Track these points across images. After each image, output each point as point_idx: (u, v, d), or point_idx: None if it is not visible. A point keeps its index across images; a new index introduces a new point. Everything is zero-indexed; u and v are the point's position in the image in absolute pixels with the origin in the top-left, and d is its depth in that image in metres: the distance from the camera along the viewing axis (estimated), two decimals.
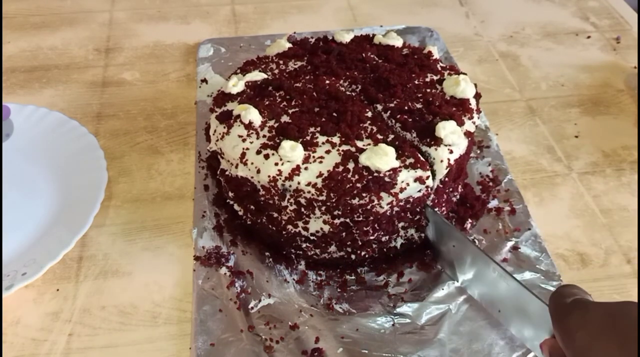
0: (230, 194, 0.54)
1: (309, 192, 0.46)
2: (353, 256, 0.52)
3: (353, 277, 0.52)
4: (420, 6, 0.89)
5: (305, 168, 0.46)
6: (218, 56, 0.76)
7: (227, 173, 0.52)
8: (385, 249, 0.52)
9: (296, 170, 0.46)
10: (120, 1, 0.89)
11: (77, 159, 0.60)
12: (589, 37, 0.84)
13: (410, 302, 0.50)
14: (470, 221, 0.56)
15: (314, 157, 0.47)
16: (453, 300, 0.50)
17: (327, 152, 0.47)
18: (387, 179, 0.45)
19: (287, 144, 0.47)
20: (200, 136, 0.65)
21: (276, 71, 0.58)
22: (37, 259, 0.51)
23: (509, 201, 0.58)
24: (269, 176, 0.47)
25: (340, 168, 0.46)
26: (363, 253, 0.51)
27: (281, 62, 0.59)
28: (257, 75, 0.56)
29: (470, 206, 0.57)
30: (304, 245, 0.51)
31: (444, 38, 0.82)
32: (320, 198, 0.46)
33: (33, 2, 0.88)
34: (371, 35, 0.63)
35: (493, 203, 0.58)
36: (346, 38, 0.62)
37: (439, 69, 0.58)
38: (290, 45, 0.62)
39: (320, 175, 0.46)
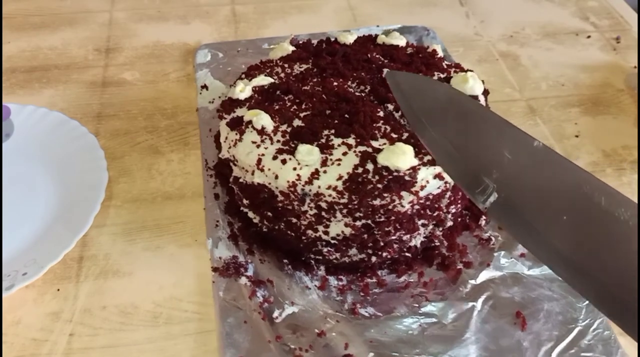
0: (245, 201, 0.53)
1: (329, 195, 0.45)
2: (374, 258, 0.51)
3: (374, 280, 0.52)
4: (420, 6, 0.89)
5: (324, 171, 0.46)
6: (216, 61, 0.75)
7: (240, 181, 0.51)
8: (405, 249, 0.52)
9: (315, 174, 0.46)
10: (120, 1, 0.89)
11: (78, 159, 0.60)
12: (588, 37, 0.84)
13: (434, 301, 0.50)
14: (484, 217, 0.56)
15: (331, 160, 0.46)
16: (476, 297, 0.50)
17: (344, 154, 0.47)
18: (407, 178, 0.45)
19: (303, 148, 0.46)
20: (206, 144, 0.64)
21: (282, 75, 0.57)
22: (37, 259, 0.50)
23: None
24: (287, 181, 0.46)
25: (360, 169, 0.45)
26: (384, 254, 0.51)
27: (286, 65, 0.59)
28: (263, 80, 0.55)
29: None
30: (324, 249, 0.50)
31: (444, 38, 0.81)
32: (342, 201, 0.45)
33: (33, 2, 0.88)
34: (374, 36, 0.63)
35: None
36: (349, 39, 0.62)
37: (445, 67, 0.58)
38: (293, 48, 0.61)
39: (340, 178, 0.45)
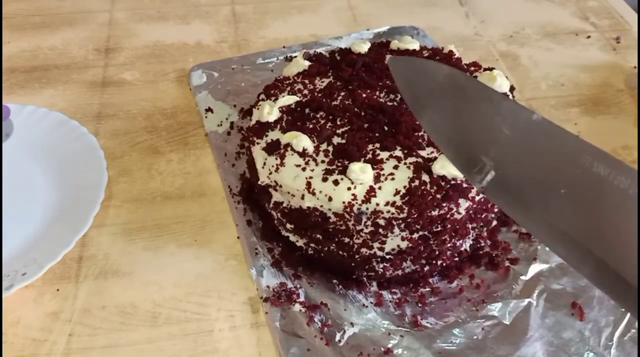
0: (289, 226, 0.51)
1: (388, 211, 0.44)
2: (426, 268, 0.50)
3: (428, 289, 0.51)
4: (420, 6, 0.89)
5: (379, 188, 0.45)
6: (213, 82, 0.72)
7: (284, 206, 0.50)
8: (456, 254, 0.52)
9: (371, 192, 0.44)
10: (120, 1, 0.89)
11: (77, 159, 0.60)
12: (588, 37, 0.84)
13: (491, 302, 0.50)
14: None
15: (383, 175, 0.45)
16: (530, 293, 0.50)
17: (395, 167, 0.46)
18: (464, 185, 0.45)
19: (355, 166, 0.45)
20: (224, 170, 0.61)
21: (305, 92, 0.55)
22: (37, 259, 0.50)
23: None
24: (343, 202, 0.45)
25: (417, 182, 0.45)
26: (439, 262, 0.50)
27: (306, 81, 0.56)
28: (289, 99, 0.53)
29: None
30: (379, 265, 0.49)
31: (444, 38, 0.81)
32: (401, 216, 0.45)
33: (33, 2, 0.88)
34: (385, 41, 0.62)
35: None
36: (364, 48, 0.60)
37: (465, 67, 0.57)
38: (309, 63, 0.59)
39: (397, 192, 0.44)
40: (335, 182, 0.45)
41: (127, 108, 0.70)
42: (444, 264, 0.52)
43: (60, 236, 0.52)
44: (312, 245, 0.51)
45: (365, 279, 0.51)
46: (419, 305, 0.50)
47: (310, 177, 0.46)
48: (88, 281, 0.52)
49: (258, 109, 0.54)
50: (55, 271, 0.52)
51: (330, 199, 0.45)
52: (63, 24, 0.84)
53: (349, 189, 0.45)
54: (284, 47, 0.78)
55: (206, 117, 0.67)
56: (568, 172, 0.34)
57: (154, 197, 0.60)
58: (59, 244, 0.51)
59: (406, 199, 0.44)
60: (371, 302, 0.50)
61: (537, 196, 0.35)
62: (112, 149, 0.64)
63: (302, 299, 0.50)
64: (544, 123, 0.37)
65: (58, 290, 0.51)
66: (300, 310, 0.49)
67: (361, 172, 0.45)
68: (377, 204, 0.44)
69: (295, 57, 0.74)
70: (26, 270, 0.49)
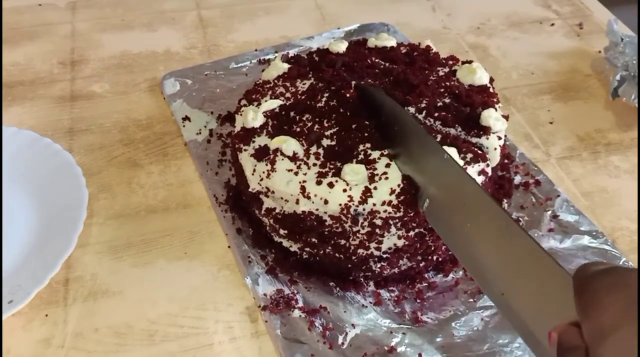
0: (282, 232, 0.50)
1: (385, 211, 0.44)
2: (422, 264, 0.51)
3: (425, 285, 0.51)
4: (387, 3, 0.90)
5: (375, 188, 0.44)
6: (187, 89, 0.70)
7: (276, 212, 0.49)
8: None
9: (367, 193, 0.44)
10: (80, 11, 0.86)
11: (54, 178, 0.58)
12: (552, 24, 0.86)
13: None
14: (505, 200, 0.57)
15: (377, 174, 0.45)
16: None
17: (387, 166, 0.46)
18: None
19: (349, 168, 0.45)
20: (207, 178, 0.60)
21: (288, 95, 0.54)
22: (22, 285, 0.49)
23: (529, 173, 0.60)
24: (340, 205, 0.44)
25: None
26: (435, 258, 0.51)
27: (288, 84, 0.56)
28: (273, 103, 0.53)
29: (500, 186, 0.58)
30: (377, 265, 0.49)
31: (414, 33, 0.82)
32: (398, 215, 0.45)
33: None
34: (362, 40, 0.62)
35: (517, 179, 0.60)
36: (342, 47, 0.60)
37: (443, 61, 0.58)
38: (288, 65, 0.58)
39: (393, 191, 0.44)
40: (330, 185, 0.45)
41: (100, 121, 0.68)
42: (439, 259, 0.52)
43: (45, 259, 0.50)
44: (307, 249, 0.50)
45: (362, 279, 0.51)
46: (418, 301, 0.50)
47: (304, 181, 0.46)
48: (77, 304, 0.50)
49: (241, 115, 0.53)
50: (42, 296, 0.51)
51: (326, 202, 0.45)
52: (23, 39, 0.81)
53: (344, 191, 0.45)
54: (255, 50, 0.77)
55: (184, 126, 0.66)
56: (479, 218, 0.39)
57: (137, 212, 0.58)
58: (44, 268, 0.49)
59: (402, 198, 0.44)
60: (370, 302, 0.50)
61: (458, 228, 0.41)
62: (89, 165, 0.62)
63: (300, 304, 0.49)
64: (458, 169, 0.42)
65: (47, 315, 0.49)
66: (300, 315, 0.48)
67: (355, 173, 0.45)
68: (374, 204, 0.44)
69: (269, 59, 0.74)
70: (12, 297, 0.48)
